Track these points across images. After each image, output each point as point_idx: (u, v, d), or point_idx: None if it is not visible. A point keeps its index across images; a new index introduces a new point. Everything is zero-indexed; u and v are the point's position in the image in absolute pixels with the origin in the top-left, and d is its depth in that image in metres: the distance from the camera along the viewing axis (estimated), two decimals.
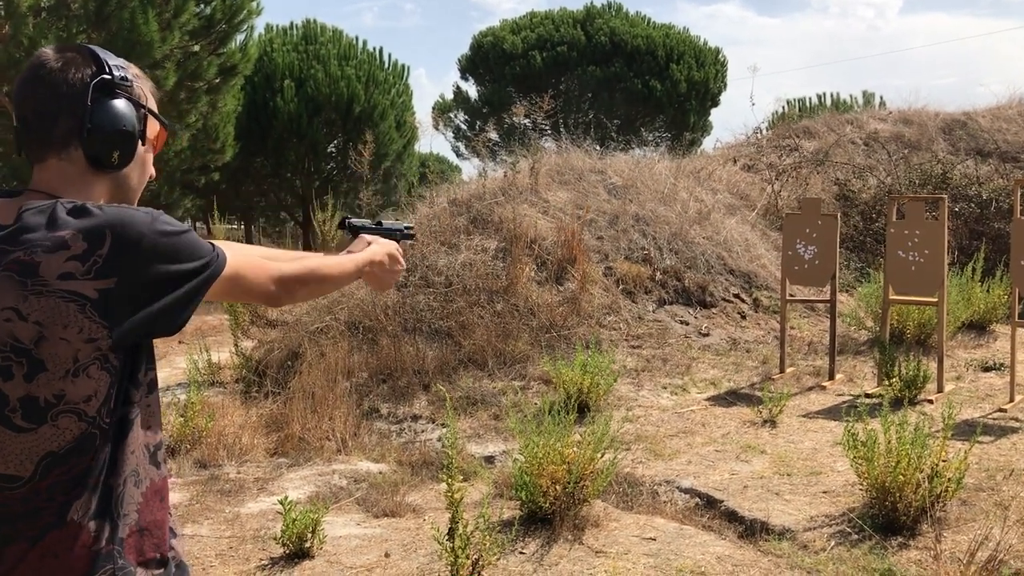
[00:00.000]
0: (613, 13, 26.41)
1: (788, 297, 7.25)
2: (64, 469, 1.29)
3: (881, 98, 24.01)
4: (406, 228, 2.14)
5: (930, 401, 5.94)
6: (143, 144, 1.49)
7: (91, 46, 1.47)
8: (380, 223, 2.09)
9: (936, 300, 6.32)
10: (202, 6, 13.71)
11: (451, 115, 27.19)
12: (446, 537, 3.38)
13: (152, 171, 1.56)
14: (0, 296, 1.27)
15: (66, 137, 1.39)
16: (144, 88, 1.51)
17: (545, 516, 4.03)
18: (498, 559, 3.60)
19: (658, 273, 8.19)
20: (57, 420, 1.28)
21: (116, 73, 1.44)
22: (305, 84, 20.20)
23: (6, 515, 1.29)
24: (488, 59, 26.08)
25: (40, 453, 1.28)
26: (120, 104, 1.43)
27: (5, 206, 1.36)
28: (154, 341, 1.42)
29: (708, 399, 6.39)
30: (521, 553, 3.81)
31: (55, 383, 1.27)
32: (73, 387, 1.28)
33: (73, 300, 1.26)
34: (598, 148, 10.64)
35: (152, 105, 1.52)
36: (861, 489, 4.11)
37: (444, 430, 5.40)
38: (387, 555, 3.88)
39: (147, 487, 1.39)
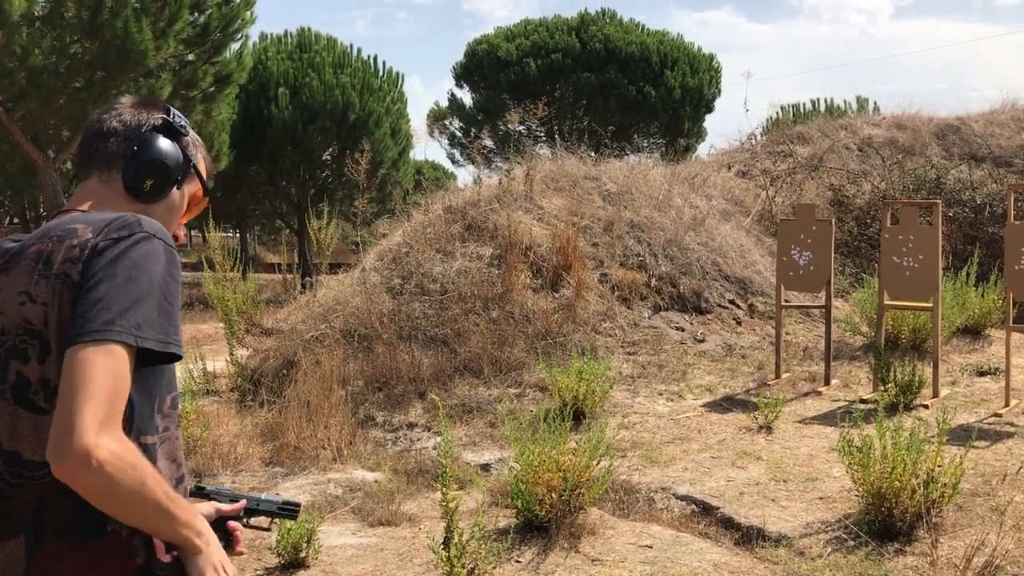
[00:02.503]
0: (607, 20, 26.47)
1: (783, 303, 7.26)
2: None
3: (875, 103, 24.20)
4: (283, 505, 1.68)
5: (925, 406, 5.95)
6: (178, 189, 1.57)
7: (166, 104, 1.63)
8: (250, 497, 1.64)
9: (931, 305, 6.33)
10: (196, 15, 13.72)
11: (446, 122, 27.23)
12: (441, 546, 3.37)
13: (179, 232, 1.65)
14: (18, 283, 1.36)
15: (113, 158, 1.52)
16: (199, 153, 1.63)
17: (541, 524, 4.02)
18: (494, 567, 3.59)
19: (653, 279, 8.20)
20: None
21: (177, 121, 1.58)
22: (300, 92, 20.22)
23: (40, 507, 1.31)
24: (483, 66, 26.12)
25: None
26: (168, 144, 1.55)
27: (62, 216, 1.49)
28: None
29: (704, 405, 6.38)
30: (517, 562, 3.80)
31: (60, 364, 1.30)
32: None
33: (66, 282, 1.32)
34: (593, 155, 10.65)
35: (201, 169, 1.64)
36: (857, 495, 4.11)
37: (440, 438, 5.39)
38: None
39: None
